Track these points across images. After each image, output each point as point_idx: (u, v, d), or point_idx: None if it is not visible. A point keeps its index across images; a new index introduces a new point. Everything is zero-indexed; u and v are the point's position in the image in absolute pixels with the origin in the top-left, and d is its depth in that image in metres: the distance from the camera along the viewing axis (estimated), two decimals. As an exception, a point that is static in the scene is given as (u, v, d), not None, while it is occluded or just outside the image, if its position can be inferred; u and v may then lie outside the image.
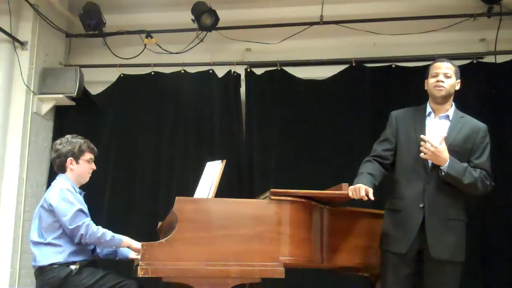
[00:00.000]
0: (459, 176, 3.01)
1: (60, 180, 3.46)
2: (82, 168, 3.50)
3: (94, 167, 3.59)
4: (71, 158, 3.47)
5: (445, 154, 2.99)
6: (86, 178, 3.56)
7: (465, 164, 3.07)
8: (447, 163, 3.00)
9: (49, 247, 3.28)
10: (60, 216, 3.26)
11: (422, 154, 3.02)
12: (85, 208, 3.36)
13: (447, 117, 3.20)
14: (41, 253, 3.29)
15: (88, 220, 3.27)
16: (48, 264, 3.25)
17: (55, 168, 3.54)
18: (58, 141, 3.55)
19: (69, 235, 3.28)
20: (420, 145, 3.02)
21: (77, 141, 3.52)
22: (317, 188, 3.20)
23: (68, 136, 3.56)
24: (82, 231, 3.22)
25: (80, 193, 3.48)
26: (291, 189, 3.04)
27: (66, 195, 3.31)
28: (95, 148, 3.61)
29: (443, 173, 3.02)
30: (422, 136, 3.04)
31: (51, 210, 3.30)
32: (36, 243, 3.33)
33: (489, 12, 5.31)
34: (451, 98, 3.22)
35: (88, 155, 3.53)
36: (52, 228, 3.30)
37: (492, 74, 5.26)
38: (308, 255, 3.04)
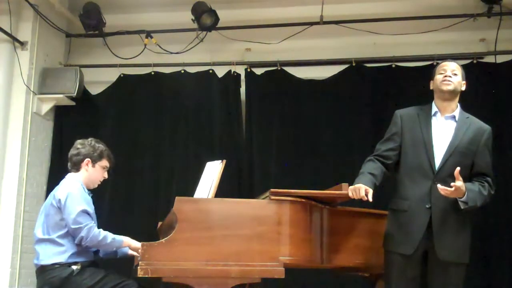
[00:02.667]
0: (476, 204, 3.00)
1: (71, 179, 3.47)
2: (96, 172, 3.53)
3: (106, 176, 3.61)
4: (89, 159, 3.50)
5: (463, 187, 2.94)
6: (95, 183, 3.57)
7: (477, 188, 3.02)
8: (465, 195, 2.95)
9: (53, 245, 3.28)
10: (65, 214, 3.27)
11: (443, 192, 2.93)
12: (91, 209, 3.35)
13: (453, 117, 3.17)
14: (44, 251, 3.29)
15: (91, 223, 3.26)
16: (50, 263, 3.25)
17: (69, 165, 3.54)
18: (80, 141, 3.58)
19: (71, 234, 3.28)
20: (439, 188, 2.93)
21: (99, 146, 3.55)
22: (317, 188, 3.20)
23: (92, 140, 3.59)
24: (83, 233, 3.22)
25: (88, 195, 3.48)
26: (291, 189, 3.03)
27: (76, 193, 3.32)
28: (113, 160, 3.63)
29: (463, 207, 2.98)
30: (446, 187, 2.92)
31: (59, 207, 3.30)
32: (40, 240, 3.34)
33: (489, 12, 5.31)
34: (457, 98, 3.19)
35: (105, 163, 3.56)
36: (59, 226, 3.30)
37: (492, 74, 5.26)
38: (308, 255, 3.03)
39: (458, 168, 2.91)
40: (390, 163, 3.22)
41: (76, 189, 3.34)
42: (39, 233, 3.36)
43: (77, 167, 3.51)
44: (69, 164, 3.55)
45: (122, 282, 3.25)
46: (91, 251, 3.40)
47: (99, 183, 3.59)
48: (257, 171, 5.48)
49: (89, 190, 3.52)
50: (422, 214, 3.05)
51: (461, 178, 2.91)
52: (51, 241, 3.29)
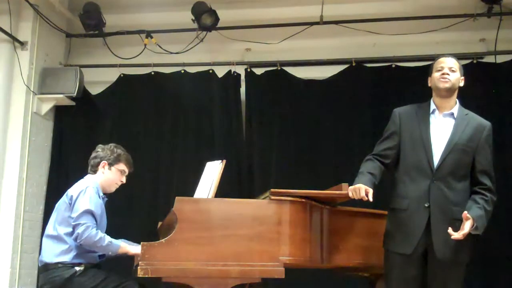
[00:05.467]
0: (484, 226, 2.98)
1: (88, 180, 3.50)
2: (113, 175, 3.56)
3: (124, 181, 3.64)
4: (105, 162, 3.54)
5: (472, 223, 2.91)
6: (112, 187, 3.60)
7: (482, 210, 2.97)
8: (475, 224, 2.92)
9: (58, 243, 3.31)
10: (72, 211, 3.30)
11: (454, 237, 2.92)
12: (97, 211, 3.34)
13: (452, 114, 3.15)
14: (49, 248, 3.32)
15: (91, 223, 3.26)
16: (53, 262, 3.27)
17: (88, 168, 3.59)
18: (101, 145, 3.63)
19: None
20: (450, 233, 2.90)
21: (118, 151, 3.60)
22: (317, 188, 3.20)
23: (113, 145, 3.63)
24: (79, 230, 3.22)
25: (102, 198, 3.50)
26: (291, 189, 3.03)
27: (88, 193, 3.35)
28: (133, 165, 3.66)
29: (474, 233, 2.96)
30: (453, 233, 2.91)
31: (69, 204, 3.34)
32: (47, 236, 3.39)
33: (489, 12, 5.31)
34: (455, 94, 3.17)
35: (123, 166, 3.59)
36: (66, 223, 3.33)
37: (492, 74, 5.26)
38: (308, 255, 3.03)
39: (465, 212, 2.89)
40: (389, 162, 3.20)
41: (88, 189, 3.36)
42: (49, 229, 3.40)
43: (94, 169, 3.56)
44: (88, 167, 3.59)
45: (123, 283, 3.26)
46: (96, 254, 3.40)
47: (117, 187, 3.62)
48: (257, 171, 5.48)
49: (104, 194, 3.54)
50: (421, 213, 3.03)
51: (469, 217, 2.87)
52: (58, 238, 3.32)
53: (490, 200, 3.05)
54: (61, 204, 3.41)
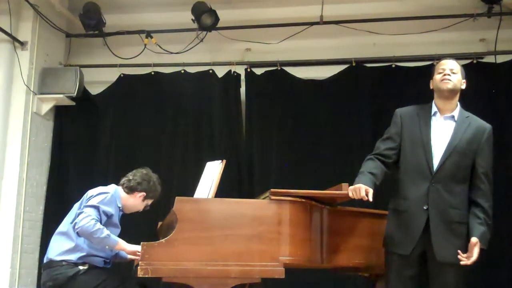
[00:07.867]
0: (488, 239, 3.00)
1: (113, 188, 3.50)
2: (139, 206, 3.62)
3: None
4: (145, 194, 3.58)
5: (479, 245, 2.94)
6: (129, 211, 3.63)
7: (484, 226, 2.99)
8: (479, 243, 2.95)
9: (67, 239, 3.32)
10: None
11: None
12: (105, 210, 3.32)
13: (452, 117, 3.15)
14: (57, 244, 3.33)
15: (95, 215, 3.24)
16: (58, 260, 3.28)
17: (123, 181, 3.60)
18: (149, 173, 3.65)
19: None
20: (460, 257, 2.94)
21: (158, 189, 3.66)
22: (317, 188, 3.20)
23: (156, 179, 3.66)
24: (79, 217, 3.21)
25: (120, 210, 3.51)
26: (291, 189, 3.03)
27: (106, 196, 3.36)
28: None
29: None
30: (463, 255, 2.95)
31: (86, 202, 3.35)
32: (58, 233, 3.40)
33: (489, 12, 5.31)
34: (457, 97, 3.17)
35: (151, 201, 3.67)
36: None
37: (492, 74, 5.26)
38: (308, 255, 3.03)
39: (472, 240, 2.92)
40: (390, 162, 3.20)
41: (110, 196, 3.38)
42: (61, 227, 3.42)
43: (129, 191, 3.56)
44: (124, 180, 3.60)
45: (124, 283, 3.28)
46: (102, 259, 3.40)
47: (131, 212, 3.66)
48: (257, 171, 5.48)
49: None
50: (420, 215, 3.03)
51: (477, 241, 2.91)
52: (66, 234, 3.34)
53: (488, 209, 3.05)
54: (79, 204, 3.42)
